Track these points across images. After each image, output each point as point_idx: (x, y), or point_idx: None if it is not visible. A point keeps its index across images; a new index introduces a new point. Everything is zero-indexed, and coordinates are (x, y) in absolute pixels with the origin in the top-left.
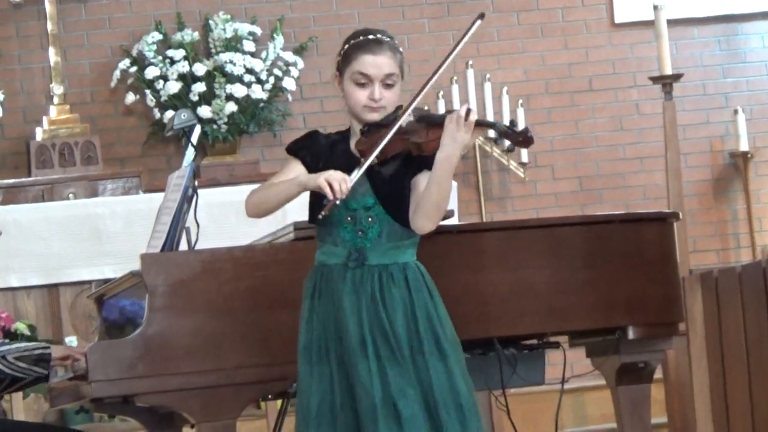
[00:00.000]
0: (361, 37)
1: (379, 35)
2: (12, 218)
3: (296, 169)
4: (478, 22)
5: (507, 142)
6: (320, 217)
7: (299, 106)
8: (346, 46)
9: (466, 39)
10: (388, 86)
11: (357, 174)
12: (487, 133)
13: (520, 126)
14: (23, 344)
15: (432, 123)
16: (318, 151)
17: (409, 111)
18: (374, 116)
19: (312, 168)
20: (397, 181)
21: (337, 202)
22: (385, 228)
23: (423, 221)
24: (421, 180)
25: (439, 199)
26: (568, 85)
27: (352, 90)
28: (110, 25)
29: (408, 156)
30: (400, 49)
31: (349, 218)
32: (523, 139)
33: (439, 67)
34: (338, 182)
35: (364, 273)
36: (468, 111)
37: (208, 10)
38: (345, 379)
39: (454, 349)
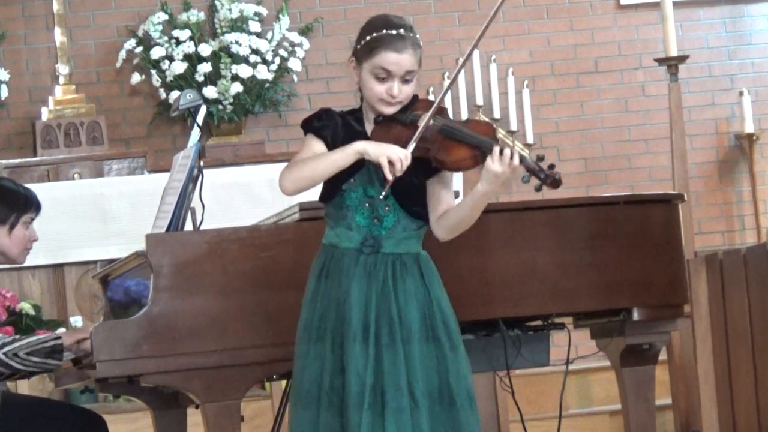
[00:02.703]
0: (385, 31)
1: (402, 30)
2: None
3: (320, 149)
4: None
5: (535, 183)
6: (382, 197)
7: (305, 87)
8: (368, 38)
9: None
10: (407, 81)
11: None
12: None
13: (547, 162)
14: (33, 338)
15: (457, 139)
16: (336, 131)
17: (431, 118)
18: (390, 110)
19: (330, 148)
20: (411, 178)
21: (392, 178)
22: (401, 218)
23: (447, 234)
24: (441, 187)
25: (470, 221)
26: (573, 67)
27: (370, 83)
28: (116, 5)
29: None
30: (421, 43)
31: (366, 204)
32: (552, 182)
33: (466, 57)
34: (399, 161)
35: (378, 260)
36: (511, 152)
37: None
38: (338, 362)
39: (459, 338)
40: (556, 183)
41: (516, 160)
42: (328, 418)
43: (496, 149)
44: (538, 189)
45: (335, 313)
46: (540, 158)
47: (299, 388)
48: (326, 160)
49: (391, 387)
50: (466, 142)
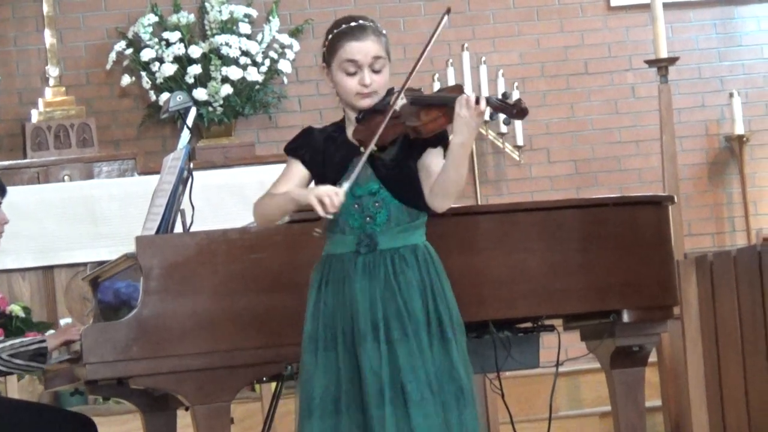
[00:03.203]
0: (344, 26)
1: (360, 21)
2: (7, 200)
3: (297, 170)
4: (446, 18)
5: (503, 118)
6: (315, 234)
7: (295, 89)
8: (330, 37)
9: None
10: (377, 71)
11: (353, 177)
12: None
13: (513, 98)
14: (18, 340)
15: (425, 105)
16: (316, 147)
17: (402, 96)
18: (367, 102)
19: (312, 165)
20: (400, 165)
21: (330, 216)
22: (393, 212)
23: (441, 201)
24: (431, 159)
25: (457, 179)
26: (563, 68)
27: (342, 79)
28: (106, 7)
29: (407, 137)
30: (384, 32)
31: (356, 205)
32: (518, 111)
33: (420, 56)
34: (329, 197)
35: (375, 258)
36: (477, 97)
37: None
38: (351, 367)
39: (457, 333)
40: (522, 112)
41: (481, 102)
42: (348, 425)
43: (461, 96)
44: (507, 123)
45: (343, 320)
46: (505, 95)
47: (311, 398)
48: (276, 203)
49: (411, 380)
50: (435, 104)
